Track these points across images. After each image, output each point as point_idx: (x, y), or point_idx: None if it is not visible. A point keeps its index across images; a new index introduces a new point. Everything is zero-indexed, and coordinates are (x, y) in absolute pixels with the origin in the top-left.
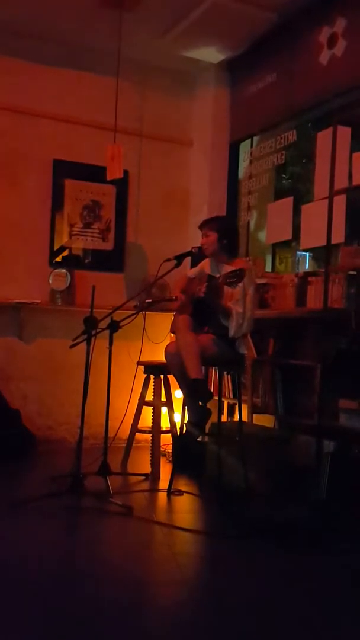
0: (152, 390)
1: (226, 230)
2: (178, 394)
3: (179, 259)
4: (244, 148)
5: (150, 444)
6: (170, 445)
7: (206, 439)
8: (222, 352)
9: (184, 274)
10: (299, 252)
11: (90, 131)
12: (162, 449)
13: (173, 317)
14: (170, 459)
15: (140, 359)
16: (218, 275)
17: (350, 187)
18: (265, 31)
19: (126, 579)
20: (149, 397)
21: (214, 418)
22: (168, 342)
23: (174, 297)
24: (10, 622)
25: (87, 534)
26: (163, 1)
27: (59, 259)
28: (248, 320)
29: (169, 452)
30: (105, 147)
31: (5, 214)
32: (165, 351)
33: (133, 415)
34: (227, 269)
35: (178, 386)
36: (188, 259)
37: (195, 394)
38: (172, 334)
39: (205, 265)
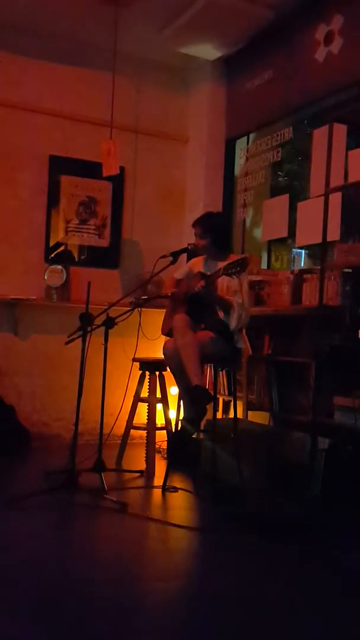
0: (147, 387)
1: (218, 230)
2: (173, 391)
3: (175, 255)
4: (240, 145)
5: (145, 441)
6: (165, 442)
7: (201, 435)
8: (219, 349)
9: (171, 276)
10: (294, 250)
11: (86, 127)
12: (157, 446)
13: (163, 319)
14: (165, 455)
15: (136, 356)
16: (209, 273)
17: (345, 185)
18: (262, 28)
19: (120, 575)
20: (144, 393)
21: (209, 415)
22: (164, 339)
23: (169, 294)
24: (3, 617)
25: (81, 530)
26: None
27: (54, 255)
28: (246, 311)
29: (164, 448)
30: (102, 143)
31: (1, 209)
32: (164, 348)
33: (128, 412)
34: (221, 265)
35: (175, 383)
36: (184, 256)
37: (197, 400)
38: (164, 336)
39: (195, 264)
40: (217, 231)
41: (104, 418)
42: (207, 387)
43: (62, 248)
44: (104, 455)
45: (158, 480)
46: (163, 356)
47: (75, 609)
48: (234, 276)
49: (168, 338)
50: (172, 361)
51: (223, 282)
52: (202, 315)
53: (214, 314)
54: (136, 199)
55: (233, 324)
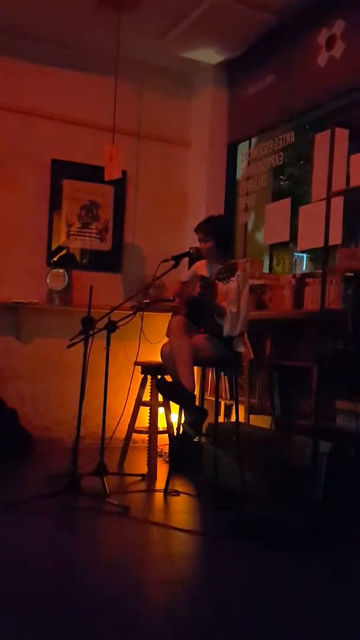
0: (149, 391)
1: (220, 234)
2: None
3: (177, 259)
4: (242, 149)
5: (147, 445)
6: (167, 446)
7: (203, 439)
8: (218, 352)
9: (178, 278)
10: (296, 254)
11: (88, 131)
12: (158, 450)
13: (169, 321)
14: (167, 459)
15: (138, 360)
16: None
17: (347, 189)
18: (264, 33)
19: (122, 579)
20: (146, 397)
21: (210, 418)
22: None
23: (171, 298)
24: (6, 621)
25: (83, 534)
26: (162, 2)
27: (56, 259)
28: (242, 321)
29: (165, 452)
30: (104, 147)
31: (3, 213)
32: (161, 351)
33: (130, 416)
34: None
35: None
36: (186, 260)
37: (173, 396)
38: (167, 337)
39: (199, 267)
40: (220, 233)
41: (106, 422)
42: (202, 391)
43: (64, 252)
44: (106, 459)
45: (160, 484)
46: (160, 359)
47: (77, 612)
48: (224, 281)
49: (166, 341)
50: (169, 362)
51: (223, 286)
52: (201, 319)
53: (213, 317)
54: (138, 203)
55: (225, 330)
